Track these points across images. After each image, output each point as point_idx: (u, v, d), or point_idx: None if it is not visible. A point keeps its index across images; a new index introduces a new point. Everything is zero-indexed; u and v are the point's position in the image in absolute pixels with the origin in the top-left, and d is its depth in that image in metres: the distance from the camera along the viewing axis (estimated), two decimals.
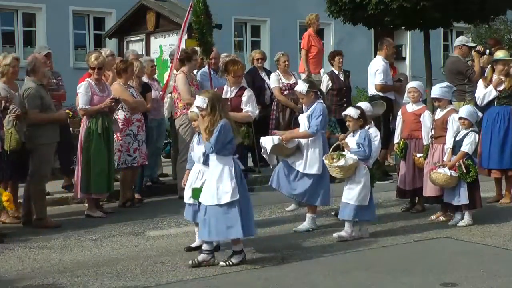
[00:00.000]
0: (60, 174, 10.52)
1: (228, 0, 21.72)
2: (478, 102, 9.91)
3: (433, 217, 8.68)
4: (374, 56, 12.54)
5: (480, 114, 8.64)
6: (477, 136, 8.36)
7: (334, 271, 6.56)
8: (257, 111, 8.36)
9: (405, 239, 7.76)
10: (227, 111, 6.87)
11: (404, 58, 26.17)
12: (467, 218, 8.26)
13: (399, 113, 9.25)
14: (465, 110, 8.40)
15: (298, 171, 7.96)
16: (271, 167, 8.81)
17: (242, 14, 23.15)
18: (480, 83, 9.94)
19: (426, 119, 8.83)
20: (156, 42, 14.13)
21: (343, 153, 7.70)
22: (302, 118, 8.09)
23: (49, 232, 8.31)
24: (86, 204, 9.41)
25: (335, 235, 7.68)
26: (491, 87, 9.69)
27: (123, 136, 9.63)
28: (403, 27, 18.18)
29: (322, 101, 8.13)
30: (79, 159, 9.28)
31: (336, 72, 12.25)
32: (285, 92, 11.64)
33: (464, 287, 6.00)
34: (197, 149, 7.09)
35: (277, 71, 11.94)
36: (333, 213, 8.77)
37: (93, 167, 9.15)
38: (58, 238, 8.02)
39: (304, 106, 8.14)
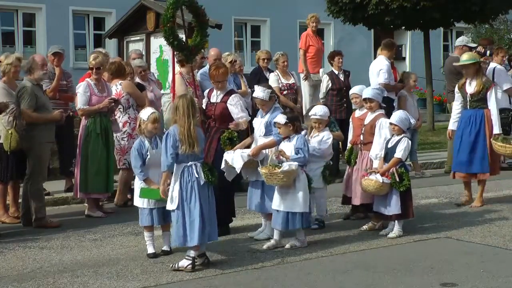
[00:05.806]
0: (59, 174, 10.53)
1: (228, 0, 21.75)
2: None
3: (365, 227, 8.17)
4: (374, 56, 12.54)
5: (412, 121, 8.19)
6: (410, 142, 7.95)
7: (334, 271, 6.56)
8: (247, 113, 8.10)
9: (405, 239, 7.75)
10: (179, 117, 6.60)
11: (404, 58, 26.19)
12: (397, 229, 7.82)
13: (351, 118, 8.93)
14: (396, 115, 7.96)
15: (262, 182, 7.65)
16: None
17: (242, 14, 23.16)
18: None
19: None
20: (156, 42, 14.08)
21: (277, 164, 7.34)
22: (258, 123, 7.79)
23: (49, 232, 8.32)
24: (86, 204, 9.42)
25: (287, 246, 7.39)
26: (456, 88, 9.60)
27: (135, 134, 9.66)
28: (403, 27, 18.25)
29: (278, 105, 7.98)
30: (78, 159, 9.30)
31: (336, 72, 12.26)
32: (284, 92, 11.67)
33: (464, 287, 6.00)
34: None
35: (276, 71, 11.96)
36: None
37: (90, 167, 9.17)
38: (58, 238, 8.02)
39: (261, 112, 7.83)
